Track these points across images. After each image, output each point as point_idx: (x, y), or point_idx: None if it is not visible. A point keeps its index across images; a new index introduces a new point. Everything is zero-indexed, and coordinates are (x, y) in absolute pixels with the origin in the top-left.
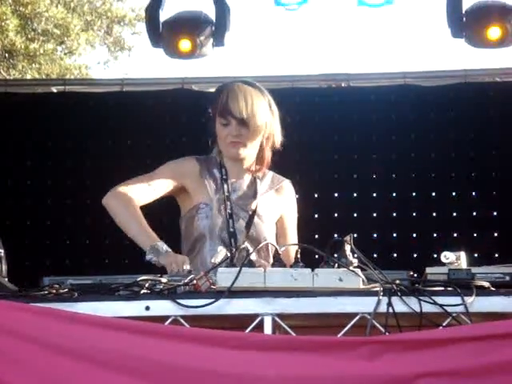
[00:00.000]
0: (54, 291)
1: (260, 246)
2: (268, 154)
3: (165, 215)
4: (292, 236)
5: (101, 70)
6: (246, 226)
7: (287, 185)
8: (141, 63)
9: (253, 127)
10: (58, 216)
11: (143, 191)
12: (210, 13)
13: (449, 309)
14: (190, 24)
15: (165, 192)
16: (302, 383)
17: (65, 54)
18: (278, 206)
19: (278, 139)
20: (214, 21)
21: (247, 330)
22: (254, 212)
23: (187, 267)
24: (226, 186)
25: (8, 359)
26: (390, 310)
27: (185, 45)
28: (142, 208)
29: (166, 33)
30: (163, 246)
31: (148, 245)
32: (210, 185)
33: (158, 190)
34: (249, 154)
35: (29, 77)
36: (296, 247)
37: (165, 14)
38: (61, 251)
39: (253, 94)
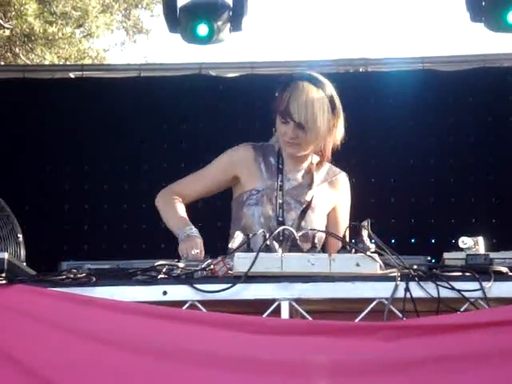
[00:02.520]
0: (72, 276)
1: (277, 231)
2: (328, 150)
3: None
4: (343, 229)
5: (118, 52)
6: (300, 217)
7: (342, 177)
8: (160, 45)
9: (311, 132)
10: (76, 201)
11: (191, 192)
12: None
13: (466, 294)
14: (207, 9)
15: (214, 190)
16: (320, 367)
17: (83, 36)
18: (330, 199)
19: (339, 136)
20: (231, 6)
21: (264, 315)
22: (310, 203)
23: (194, 251)
24: (280, 175)
25: (27, 341)
26: (408, 295)
27: (202, 30)
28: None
29: (183, 18)
30: (187, 232)
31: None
32: (263, 172)
33: (207, 190)
34: (306, 153)
35: (47, 61)
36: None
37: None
38: (79, 236)
39: (315, 96)
